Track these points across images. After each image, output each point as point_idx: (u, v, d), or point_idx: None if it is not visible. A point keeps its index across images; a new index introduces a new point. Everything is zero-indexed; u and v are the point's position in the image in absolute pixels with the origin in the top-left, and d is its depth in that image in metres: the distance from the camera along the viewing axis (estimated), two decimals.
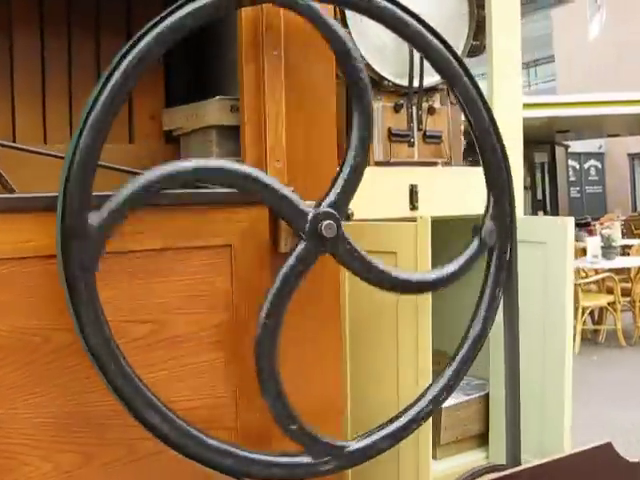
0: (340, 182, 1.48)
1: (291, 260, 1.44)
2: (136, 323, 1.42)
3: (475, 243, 1.63)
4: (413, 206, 2.12)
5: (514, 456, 1.78)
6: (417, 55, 2.05)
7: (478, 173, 2.16)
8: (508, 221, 1.67)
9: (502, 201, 1.68)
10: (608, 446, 1.80)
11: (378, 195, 2.08)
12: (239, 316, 1.52)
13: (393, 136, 2.09)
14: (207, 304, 1.49)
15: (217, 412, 1.52)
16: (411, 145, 2.12)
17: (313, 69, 1.61)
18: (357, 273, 1.51)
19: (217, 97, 1.71)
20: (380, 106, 2.09)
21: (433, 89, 2.16)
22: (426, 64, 1.96)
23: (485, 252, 1.65)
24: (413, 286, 1.60)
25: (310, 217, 1.44)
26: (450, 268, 1.59)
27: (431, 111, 2.16)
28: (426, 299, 1.83)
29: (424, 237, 1.83)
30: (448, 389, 1.61)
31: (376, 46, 2.05)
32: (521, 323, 1.73)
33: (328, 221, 1.44)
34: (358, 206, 1.89)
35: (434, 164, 2.16)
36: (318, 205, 1.46)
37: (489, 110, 1.61)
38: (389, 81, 2.08)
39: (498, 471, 1.83)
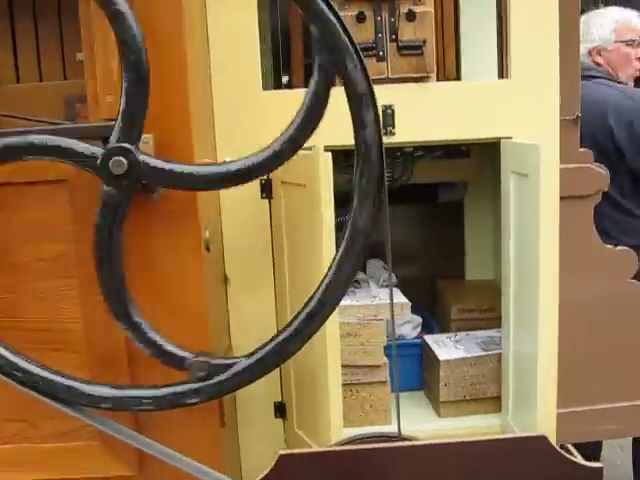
0: (122, 114, 1.44)
1: (99, 209, 1.47)
2: None
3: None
4: (388, 131, 1.91)
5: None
6: None
7: (473, 89, 1.89)
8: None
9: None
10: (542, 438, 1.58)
11: (346, 119, 1.91)
12: (82, 247, 1.61)
13: None
14: (49, 235, 1.60)
15: (65, 336, 1.66)
16: (380, 59, 1.89)
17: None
18: (169, 186, 1.49)
19: None
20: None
21: None
22: None
23: None
24: (217, 179, 1.49)
25: (100, 160, 1.45)
26: (254, 158, 1.45)
27: (410, 16, 1.88)
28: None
29: (323, 169, 1.67)
30: None
31: None
32: None
33: (115, 157, 1.44)
34: (324, 132, 1.82)
35: (415, 80, 1.90)
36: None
37: None
38: None
39: (389, 441, 1.68)
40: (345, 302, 2.06)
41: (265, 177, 1.92)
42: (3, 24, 2.04)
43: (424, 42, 1.87)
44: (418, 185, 2.38)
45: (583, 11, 2.79)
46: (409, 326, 2.29)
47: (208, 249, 1.71)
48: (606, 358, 2.32)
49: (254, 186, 1.92)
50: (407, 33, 1.88)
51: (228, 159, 1.49)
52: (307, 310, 1.51)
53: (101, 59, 1.55)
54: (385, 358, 2.05)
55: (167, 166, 1.48)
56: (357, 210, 1.46)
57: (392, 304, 1.68)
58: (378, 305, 2.05)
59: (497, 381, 2.05)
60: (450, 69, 2.25)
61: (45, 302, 1.62)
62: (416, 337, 2.29)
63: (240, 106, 1.90)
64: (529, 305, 1.79)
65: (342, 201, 2.16)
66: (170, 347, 1.54)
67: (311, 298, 1.49)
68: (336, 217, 1.98)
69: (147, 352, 1.52)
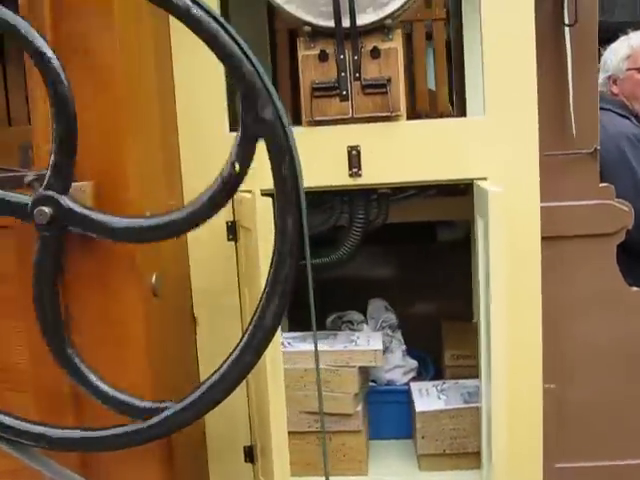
0: (51, 163, 1.48)
1: (36, 253, 1.53)
2: None
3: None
4: (355, 172, 1.86)
5: None
6: None
7: (445, 128, 1.83)
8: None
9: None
10: None
11: (310, 160, 1.89)
12: (27, 290, 1.66)
13: (316, 90, 1.85)
14: None
15: (14, 376, 1.71)
16: (344, 99, 1.85)
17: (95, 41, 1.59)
18: (94, 234, 1.51)
19: None
20: (301, 57, 1.86)
21: (379, 27, 1.82)
22: None
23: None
24: (135, 232, 1.49)
25: (29, 209, 1.49)
26: (174, 215, 1.45)
27: (374, 54, 1.83)
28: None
29: (260, 214, 1.65)
30: None
31: None
32: None
33: (39, 207, 1.48)
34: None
35: (382, 119, 1.84)
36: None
37: None
38: (310, 24, 1.83)
39: None
40: (319, 347, 2.02)
41: (232, 220, 1.92)
42: None
43: (389, 80, 1.82)
44: (416, 224, 2.32)
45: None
46: (399, 371, 2.22)
47: (155, 294, 1.72)
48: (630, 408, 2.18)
49: (221, 229, 1.92)
50: (371, 71, 1.84)
51: (148, 213, 1.51)
52: (232, 357, 1.51)
53: (39, 108, 1.61)
54: (359, 406, 1.99)
55: (92, 215, 1.51)
56: (264, 305, 1.45)
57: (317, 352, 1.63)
58: (351, 351, 2.00)
59: (479, 435, 1.95)
60: (444, 105, 2.19)
61: None
62: (406, 383, 2.22)
63: (207, 148, 1.91)
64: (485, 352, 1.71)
65: (317, 242, 2.15)
66: (104, 387, 1.57)
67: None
68: (315, 258, 1.96)
69: (80, 388, 1.56)
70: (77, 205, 1.51)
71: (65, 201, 1.49)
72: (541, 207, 2.02)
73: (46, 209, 1.48)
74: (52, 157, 1.49)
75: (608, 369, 2.13)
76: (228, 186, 1.47)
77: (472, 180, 1.84)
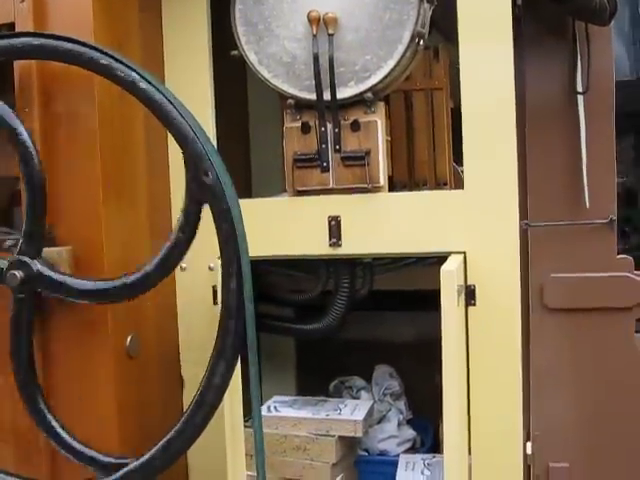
0: (23, 231, 1.64)
1: (11, 313, 1.67)
2: None
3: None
4: (335, 242, 1.92)
5: None
6: (325, 62, 1.85)
7: (425, 200, 1.87)
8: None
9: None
10: None
11: (293, 229, 1.96)
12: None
13: (297, 162, 1.92)
14: None
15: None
16: (324, 170, 1.91)
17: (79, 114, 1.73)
18: (58, 294, 1.65)
19: None
20: (285, 129, 1.95)
21: (358, 102, 1.89)
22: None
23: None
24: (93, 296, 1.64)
25: (3, 272, 1.64)
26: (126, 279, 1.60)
27: (354, 127, 1.89)
28: None
29: None
30: None
31: (282, 62, 1.92)
32: None
33: (11, 271, 1.62)
34: (272, 241, 1.92)
35: (362, 190, 1.89)
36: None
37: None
38: (293, 97, 1.91)
39: None
40: (301, 413, 2.07)
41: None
42: None
43: (368, 153, 1.88)
44: (420, 292, 2.34)
45: None
46: (394, 441, 2.22)
47: (130, 355, 1.82)
48: None
49: (207, 293, 2.01)
50: (351, 143, 1.90)
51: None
52: (187, 412, 1.59)
53: None
54: (338, 477, 2.01)
55: (59, 278, 1.64)
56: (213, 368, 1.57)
57: None
58: (332, 420, 2.03)
59: None
60: (441, 175, 2.22)
61: None
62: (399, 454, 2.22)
63: None
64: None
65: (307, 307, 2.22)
66: (71, 441, 1.69)
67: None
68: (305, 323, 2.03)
69: (49, 440, 1.69)
70: (46, 269, 1.64)
71: (36, 265, 1.64)
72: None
73: (17, 272, 1.63)
74: (23, 225, 1.64)
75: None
76: (177, 250, 1.58)
77: (450, 253, 1.85)
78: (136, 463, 1.63)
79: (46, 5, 1.73)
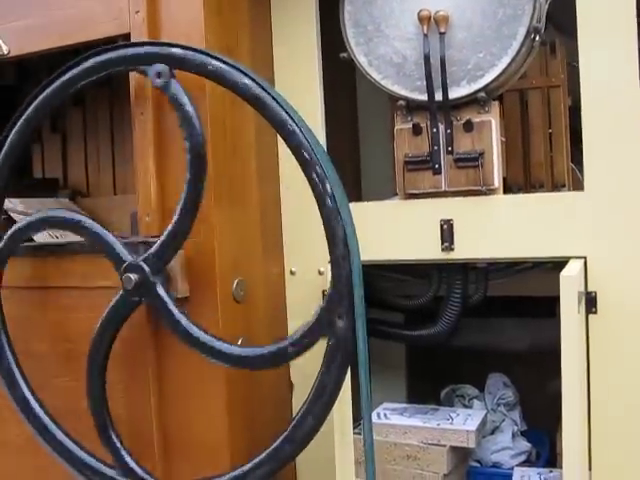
0: (158, 242, 1.67)
1: (108, 307, 1.72)
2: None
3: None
4: (447, 246, 1.87)
5: None
6: (436, 61, 1.81)
7: (542, 202, 1.80)
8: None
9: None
10: None
11: (403, 233, 1.92)
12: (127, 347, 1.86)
13: (408, 164, 1.88)
14: None
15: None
16: (436, 172, 1.87)
17: None
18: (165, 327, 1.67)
19: None
20: (396, 131, 1.91)
21: (471, 101, 1.83)
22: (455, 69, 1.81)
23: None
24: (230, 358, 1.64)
25: (123, 266, 1.68)
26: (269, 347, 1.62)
27: (467, 127, 1.84)
28: None
29: None
30: None
31: (392, 63, 1.89)
32: None
33: (130, 274, 1.66)
34: (383, 245, 1.91)
35: (474, 193, 1.84)
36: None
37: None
38: (404, 98, 1.88)
39: None
40: (412, 421, 2.03)
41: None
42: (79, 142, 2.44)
43: (481, 154, 1.82)
44: (536, 298, 2.25)
45: None
46: (507, 453, 2.15)
47: None
48: None
49: (317, 297, 2.00)
50: (464, 144, 1.85)
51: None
52: (296, 418, 1.61)
53: (142, 182, 1.80)
54: None
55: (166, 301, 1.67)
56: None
57: None
58: (443, 430, 1.98)
59: None
60: (559, 177, 2.13)
61: None
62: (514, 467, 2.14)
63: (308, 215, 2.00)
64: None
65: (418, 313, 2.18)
66: (136, 467, 1.75)
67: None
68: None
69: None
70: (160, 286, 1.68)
71: (151, 275, 1.67)
72: None
73: (132, 277, 1.66)
74: (161, 239, 1.67)
75: None
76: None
77: (569, 258, 1.77)
78: (243, 468, 1.64)
79: (159, 14, 1.78)
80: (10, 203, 2.09)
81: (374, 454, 1.62)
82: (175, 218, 1.64)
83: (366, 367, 1.57)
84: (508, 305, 2.37)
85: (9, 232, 1.84)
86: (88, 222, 1.75)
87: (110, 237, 1.71)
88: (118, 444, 1.75)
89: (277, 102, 1.55)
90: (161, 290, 1.66)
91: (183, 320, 1.63)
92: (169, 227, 1.65)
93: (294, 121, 1.54)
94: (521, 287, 2.20)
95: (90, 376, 1.74)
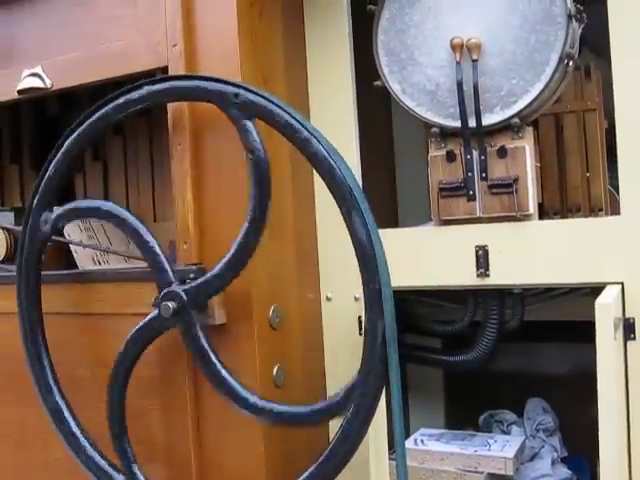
0: (209, 275, 1.71)
1: (140, 322, 1.76)
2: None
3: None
4: (482, 272, 1.87)
5: None
6: (469, 88, 1.83)
7: (579, 228, 1.80)
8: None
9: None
10: None
11: (438, 259, 1.93)
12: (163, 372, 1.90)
13: (443, 191, 1.90)
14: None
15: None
16: (470, 199, 1.88)
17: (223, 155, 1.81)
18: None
19: None
20: (430, 158, 1.93)
21: (505, 127, 1.84)
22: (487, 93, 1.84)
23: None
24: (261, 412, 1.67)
25: (163, 292, 1.72)
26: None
27: (501, 154, 1.85)
28: None
29: None
30: None
31: (425, 90, 1.91)
32: None
33: (168, 302, 1.69)
34: (418, 271, 1.93)
35: (510, 219, 1.84)
36: (182, 283, 1.73)
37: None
38: (438, 125, 1.90)
39: None
40: (449, 447, 2.03)
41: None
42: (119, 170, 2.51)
43: (516, 180, 1.83)
44: (574, 323, 2.24)
45: None
46: None
47: (277, 385, 1.86)
48: None
49: (353, 323, 2.02)
50: (499, 170, 1.86)
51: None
52: (332, 443, 1.63)
53: (180, 211, 1.85)
54: None
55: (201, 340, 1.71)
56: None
57: None
58: (480, 456, 1.97)
59: None
60: (596, 201, 2.12)
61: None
62: None
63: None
64: None
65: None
66: None
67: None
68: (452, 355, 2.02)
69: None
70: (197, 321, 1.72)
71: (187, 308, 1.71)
72: None
73: (171, 305, 1.70)
74: (213, 271, 1.70)
75: None
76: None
77: (605, 284, 1.77)
78: None
79: (196, 47, 1.82)
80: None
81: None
82: (230, 254, 1.67)
83: (398, 389, 1.58)
84: (548, 330, 2.36)
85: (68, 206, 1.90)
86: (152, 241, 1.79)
87: (163, 259, 1.75)
88: (129, 452, 1.80)
89: (312, 134, 1.59)
90: (196, 325, 1.70)
91: (218, 365, 1.68)
92: (221, 263, 1.68)
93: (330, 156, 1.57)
94: (558, 312, 2.19)
95: (111, 393, 1.79)
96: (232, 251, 1.65)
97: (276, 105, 1.61)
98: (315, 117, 2.05)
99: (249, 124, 1.63)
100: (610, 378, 1.56)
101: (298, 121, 1.59)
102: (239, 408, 1.66)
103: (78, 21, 2.01)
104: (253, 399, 1.65)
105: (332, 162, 1.56)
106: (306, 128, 1.59)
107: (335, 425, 1.67)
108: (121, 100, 1.75)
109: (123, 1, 1.93)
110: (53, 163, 1.85)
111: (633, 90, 1.75)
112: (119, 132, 2.53)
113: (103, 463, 1.84)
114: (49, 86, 2.04)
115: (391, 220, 2.58)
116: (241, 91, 1.63)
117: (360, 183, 2.00)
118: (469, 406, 2.50)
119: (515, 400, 2.42)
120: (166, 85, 1.70)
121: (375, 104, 2.31)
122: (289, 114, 1.60)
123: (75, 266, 2.18)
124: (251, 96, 1.63)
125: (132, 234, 1.78)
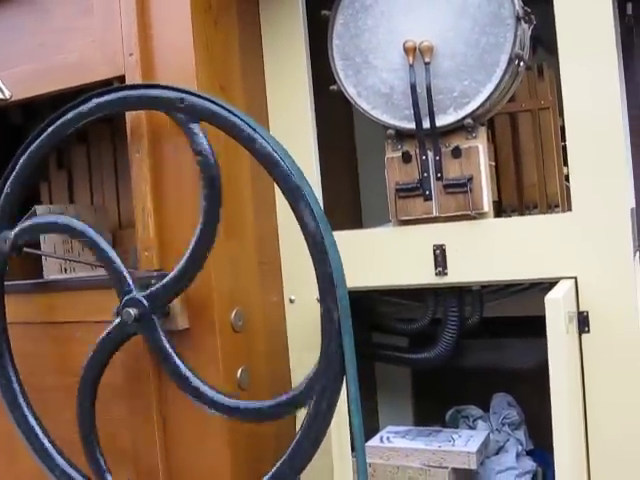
0: (167, 279, 1.72)
1: (104, 333, 1.78)
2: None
3: None
4: (440, 271, 1.91)
5: None
6: (423, 90, 1.87)
7: (532, 225, 1.85)
8: None
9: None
10: None
11: (396, 259, 1.97)
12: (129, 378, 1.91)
13: (400, 191, 1.93)
14: None
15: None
16: (427, 199, 1.92)
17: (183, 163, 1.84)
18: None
19: None
20: (386, 159, 1.97)
21: (458, 128, 1.88)
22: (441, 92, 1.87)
23: None
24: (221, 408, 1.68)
25: (124, 299, 1.74)
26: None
27: (455, 154, 1.89)
28: None
29: None
30: None
31: (380, 93, 1.95)
32: None
33: (129, 309, 1.71)
34: (378, 271, 1.96)
35: (465, 218, 1.88)
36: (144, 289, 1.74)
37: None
38: (393, 127, 1.93)
39: None
40: (413, 444, 2.06)
41: None
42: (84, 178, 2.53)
43: (470, 179, 1.87)
44: (536, 318, 2.29)
45: None
46: (512, 473, 2.17)
47: (242, 388, 1.89)
48: None
49: (316, 324, 2.03)
50: (453, 170, 1.90)
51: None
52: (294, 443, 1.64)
53: (140, 219, 1.87)
54: None
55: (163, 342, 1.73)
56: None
57: None
58: (444, 452, 2.01)
59: None
60: (552, 197, 2.17)
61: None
62: None
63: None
64: None
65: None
66: None
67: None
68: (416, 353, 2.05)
69: None
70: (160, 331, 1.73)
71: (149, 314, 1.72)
72: None
73: (132, 311, 1.72)
74: (170, 275, 1.71)
75: None
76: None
77: (559, 279, 1.81)
78: None
79: (152, 56, 1.85)
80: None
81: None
82: (186, 257, 1.69)
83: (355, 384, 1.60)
84: (511, 326, 2.40)
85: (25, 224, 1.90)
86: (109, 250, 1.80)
87: (122, 268, 1.77)
88: (101, 462, 1.81)
89: (262, 137, 1.61)
90: (159, 329, 1.72)
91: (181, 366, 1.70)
92: (178, 266, 1.70)
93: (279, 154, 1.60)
94: (521, 307, 2.24)
95: (80, 406, 1.80)
96: (188, 253, 1.67)
97: (219, 106, 1.64)
98: (274, 123, 2.09)
99: (195, 126, 1.66)
100: (562, 372, 1.61)
101: (242, 120, 1.62)
102: (205, 406, 1.68)
103: (35, 32, 2.03)
104: (218, 397, 1.67)
105: (276, 155, 1.59)
106: (249, 125, 1.62)
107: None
108: (70, 115, 1.77)
109: (79, 12, 1.95)
110: (8, 182, 1.87)
111: (581, 88, 1.79)
112: (83, 140, 2.55)
113: (76, 475, 1.87)
114: (8, 97, 2.05)
115: (355, 221, 2.61)
116: (186, 96, 1.67)
117: (319, 182, 2.06)
118: (437, 402, 2.54)
119: (481, 395, 2.46)
120: (113, 96, 1.72)
121: (336, 108, 2.34)
122: (232, 113, 1.63)
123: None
124: (195, 99, 1.66)
125: (90, 245, 1.80)
